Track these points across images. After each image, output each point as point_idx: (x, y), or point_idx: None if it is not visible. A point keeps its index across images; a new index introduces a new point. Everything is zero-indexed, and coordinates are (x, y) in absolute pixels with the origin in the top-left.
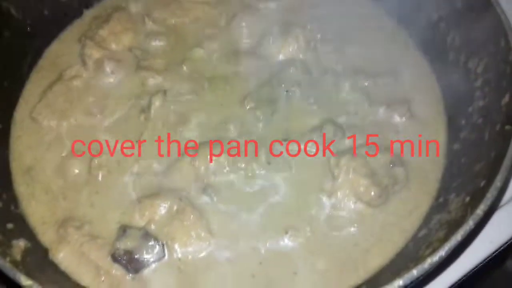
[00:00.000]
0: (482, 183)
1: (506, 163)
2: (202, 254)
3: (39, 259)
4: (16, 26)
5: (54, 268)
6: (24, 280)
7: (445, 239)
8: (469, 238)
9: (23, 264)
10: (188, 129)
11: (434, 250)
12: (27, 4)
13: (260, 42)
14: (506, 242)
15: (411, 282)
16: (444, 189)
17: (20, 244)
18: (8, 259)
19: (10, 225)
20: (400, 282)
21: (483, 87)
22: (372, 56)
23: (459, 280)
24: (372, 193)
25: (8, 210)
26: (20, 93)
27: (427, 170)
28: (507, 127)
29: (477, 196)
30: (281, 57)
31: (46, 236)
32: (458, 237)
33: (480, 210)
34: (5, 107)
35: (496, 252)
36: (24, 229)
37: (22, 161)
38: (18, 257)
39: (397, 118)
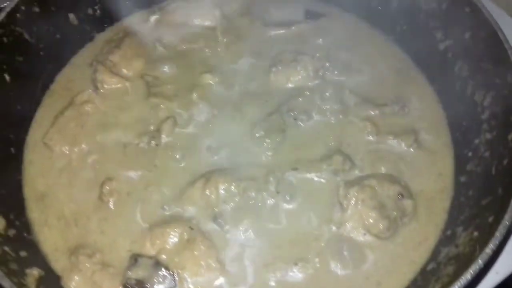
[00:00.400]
0: (490, 219)
1: None
2: (213, 285)
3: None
4: (29, 51)
5: None
6: None
7: (455, 275)
8: (478, 275)
9: None
10: (198, 157)
11: (444, 287)
12: (40, 29)
13: (269, 70)
14: None
15: None
16: (452, 222)
17: (33, 272)
18: None
19: (23, 253)
20: None
21: (490, 120)
22: (380, 86)
23: None
24: (381, 226)
25: (21, 237)
26: (33, 117)
27: (435, 201)
28: None
29: (485, 232)
30: (289, 85)
31: (58, 263)
32: (468, 276)
33: (489, 249)
34: (18, 131)
35: (501, 283)
36: (37, 256)
37: (35, 186)
38: (32, 286)
39: (404, 149)
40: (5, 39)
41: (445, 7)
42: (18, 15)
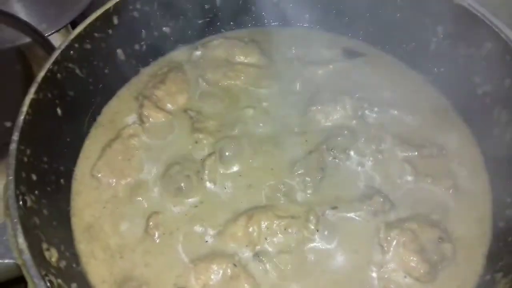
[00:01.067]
0: None
1: None
2: None
3: None
4: (80, 85)
5: None
6: None
7: None
8: None
9: None
10: (240, 193)
11: None
12: (91, 64)
13: (307, 108)
14: None
15: None
16: (490, 267)
17: None
18: None
19: (74, 285)
20: None
21: None
22: (418, 127)
23: None
24: (422, 270)
25: (71, 268)
26: (80, 149)
27: (473, 246)
28: None
29: None
30: (328, 123)
31: None
32: None
33: None
34: (67, 163)
35: None
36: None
37: (82, 217)
38: None
39: (442, 191)
40: (58, 75)
41: (485, 53)
42: (71, 52)
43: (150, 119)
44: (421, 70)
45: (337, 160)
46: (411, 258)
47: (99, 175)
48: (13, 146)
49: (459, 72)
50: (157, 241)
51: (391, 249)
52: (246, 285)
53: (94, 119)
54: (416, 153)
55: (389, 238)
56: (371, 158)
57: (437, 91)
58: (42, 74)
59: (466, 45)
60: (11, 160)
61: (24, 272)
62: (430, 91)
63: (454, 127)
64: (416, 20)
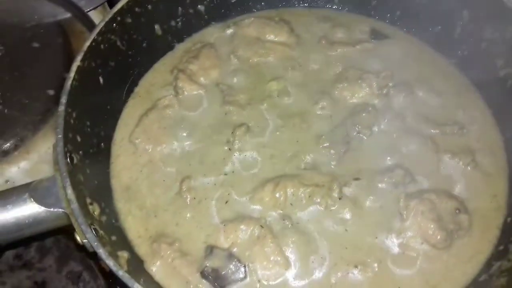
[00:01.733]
0: None
1: None
2: (280, 279)
3: (138, 269)
4: (120, 57)
5: (150, 278)
6: None
7: (508, 285)
8: None
9: (129, 273)
10: (268, 162)
11: None
12: (130, 37)
13: (335, 86)
14: None
15: None
16: (504, 238)
17: (124, 255)
18: (124, 269)
19: (113, 237)
20: None
21: None
22: (441, 106)
23: None
24: (439, 236)
25: (111, 224)
26: (119, 116)
27: (489, 218)
28: None
29: None
30: (354, 101)
31: (141, 249)
32: None
33: None
34: (107, 129)
35: None
36: (124, 241)
37: (121, 179)
38: (125, 267)
39: (462, 167)
40: (102, 46)
41: (509, 37)
42: (114, 24)
43: (184, 91)
44: (445, 52)
45: (361, 135)
46: (429, 225)
47: (137, 141)
48: (61, 108)
49: (483, 55)
50: (189, 203)
51: (410, 217)
52: (271, 244)
53: (132, 90)
54: (438, 131)
55: (408, 207)
56: (394, 135)
57: (460, 73)
58: (87, 43)
59: (491, 29)
60: (60, 120)
61: (73, 220)
62: (453, 73)
63: (475, 107)
64: (442, 4)
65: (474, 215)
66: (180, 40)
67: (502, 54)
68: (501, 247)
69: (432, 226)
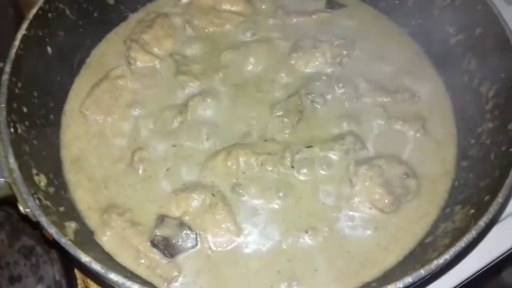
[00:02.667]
0: (486, 198)
1: (508, 182)
2: (231, 246)
3: (87, 240)
4: (70, 26)
5: (99, 248)
6: (83, 257)
7: (450, 245)
8: (471, 246)
9: (76, 243)
10: (220, 131)
11: (440, 254)
12: (80, 6)
13: (290, 55)
14: (504, 253)
15: (419, 280)
16: (451, 201)
17: (71, 225)
18: (67, 238)
19: (62, 208)
20: (409, 279)
21: (492, 111)
22: (393, 74)
23: (458, 285)
24: (386, 201)
25: (59, 195)
26: (70, 87)
27: (437, 182)
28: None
29: (480, 209)
30: (308, 70)
31: (91, 220)
32: (462, 243)
33: (482, 222)
34: (57, 100)
35: (494, 262)
36: (73, 212)
37: (70, 150)
38: (71, 236)
39: (411, 134)
40: (49, 15)
41: (458, 4)
42: None
43: (137, 61)
44: (400, 21)
45: (314, 104)
46: (376, 190)
47: (87, 112)
48: (5, 77)
49: (435, 24)
50: (141, 174)
51: (359, 183)
52: (222, 212)
53: (84, 61)
54: (390, 98)
55: (358, 173)
56: (346, 102)
57: (414, 42)
58: (33, 11)
59: None
60: (3, 90)
61: (15, 189)
62: (407, 41)
63: (427, 75)
64: None
65: (423, 180)
66: (134, 10)
67: (453, 21)
68: (448, 210)
69: (379, 191)
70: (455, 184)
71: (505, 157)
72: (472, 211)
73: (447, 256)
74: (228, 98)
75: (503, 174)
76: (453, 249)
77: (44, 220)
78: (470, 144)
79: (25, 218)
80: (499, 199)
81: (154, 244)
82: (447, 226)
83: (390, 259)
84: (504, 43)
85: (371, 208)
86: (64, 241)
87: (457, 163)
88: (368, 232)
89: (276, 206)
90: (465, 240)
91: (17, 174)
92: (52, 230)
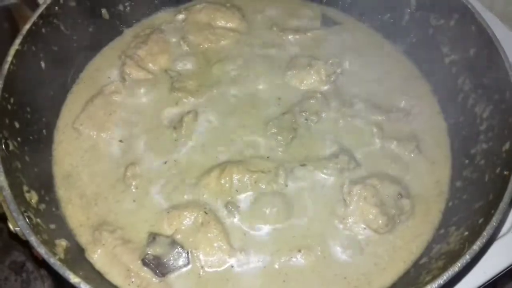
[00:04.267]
0: (480, 220)
1: (502, 206)
2: (223, 265)
3: (77, 258)
4: (64, 41)
5: (90, 266)
6: (72, 277)
7: (445, 268)
8: (465, 269)
9: (66, 261)
10: (214, 148)
11: (434, 278)
12: (75, 22)
13: (284, 73)
14: (499, 273)
15: None
16: (445, 222)
17: (62, 243)
18: (57, 257)
19: (52, 226)
20: None
21: (487, 132)
22: (388, 93)
23: None
24: (380, 221)
25: (50, 212)
26: (63, 103)
27: (431, 203)
28: (506, 172)
29: (475, 232)
30: (303, 87)
31: (82, 237)
32: (455, 268)
33: (476, 246)
34: (50, 115)
35: (488, 283)
36: (64, 229)
37: (62, 166)
38: (61, 255)
39: (405, 154)
40: (43, 30)
41: (453, 24)
42: (56, 8)
43: (132, 77)
44: (394, 40)
45: (309, 122)
46: (371, 210)
47: (81, 127)
48: None
49: (430, 43)
50: (133, 190)
51: (353, 202)
52: (215, 230)
53: (77, 76)
54: (384, 117)
55: (351, 192)
56: (341, 121)
57: (408, 60)
58: (27, 26)
59: (437, 16)
60: None
61: (4, 208)
62: (401, 60)
63: (421, 94)
64: None
65: (417, 200)
66: (129, 25)
67: (448, 41)
68: (442, 231)
69: (373, 211)
70: (449, 205)
71: (499, 179)
72: (466, 233)
73: (440, 280)
74: (222, 114)
75: (497, 197)
76: (446, 274)
77: (33, 240)
78: (464, 164)
79: (14, 235)
80: (493, 223)
81: (145, 262)
82: (441, 248)
83: (385, 279)
84: (498, 64)
85: (365, 228)
86: (53, 261)
87: (451, 184)
88: (364, 252)
89: (270, 225)
90: (459, 264)
91: (7, 192)
92: (42, 250)
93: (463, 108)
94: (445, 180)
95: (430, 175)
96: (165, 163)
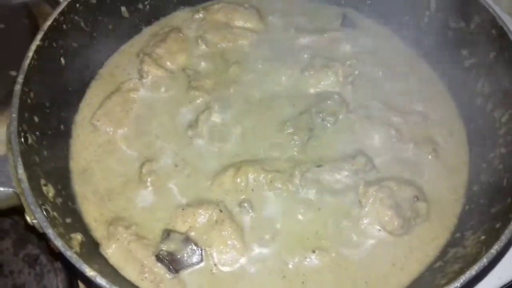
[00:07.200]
0: (498, 225)
1: None
2: (236, 263)
3: (92, 252)
4: (84, 38)
5: (104, 261)
6: (88, 271)
7: (461, 272)
8: (482, 274)
9: (81, 255)
10: (231, 147)
11: (450, 281)
12: (95, 18)
13: (302, 73)
14: None
15: None
16: (461, 226)
17: (77, 237)
18: (73, 250)
19: (68, 220)
20: None
21: (506, 136)
22: (406, 95)
23: None
24: (395, 223)
25: (66, 206)
26: (82, 98)
27: (447, 206)
28: None
29: (492, 236)
30: (320, 88)
31: (97, 232)
32: (472, 271)
33: (494, 250)
34: (68, 110)
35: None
36: (80, 224)
37: (79, 161)
38: (77, 248)
39: (423, 156)
40: (64, 26)
41: (473, 28)
42: (77, 5)
43: (150, 75)
44: (413, 42)
45: (325, 122)
46: (386, 212)
47: (98, 123)
48: (17, 87)
49: (449, 46)
50: (149, 187)
51: (368, 204)
52: (229, 228)
53: (96, 72)
54: (402, 120)
55: (367, 194)
56: (357, 123)
57: (427, 63)
58: (48, 23)
59: (457, 19)
60: (15, 100)
61: (22, 200)
62: (420, 63)
63: (439, 98)
64: None
65: (433, 203)
66: (148, 23)
67: (467, 44)
68: (458, 235)
69: (389, 213)
70: (465, 209)
71: None
72: (483, 237)
73: (457, 284)
74: (239, 113)
75: None
76: (463, 277)
77: (51, 232)
78: (482, 168)
79: (31, 228)
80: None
81: (159, 258)
82: (457, 252)
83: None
84: None
85: (380, 230)
86: (69, 254)
87: (468, 188)
88: (378, 253)
89: (284, 225)
90: (476, 268)
91: (25, 184)
92: (59, 243)
93: (482, 112)
94: (462, 184)
95: (447, 179)
96: (181, 161)
